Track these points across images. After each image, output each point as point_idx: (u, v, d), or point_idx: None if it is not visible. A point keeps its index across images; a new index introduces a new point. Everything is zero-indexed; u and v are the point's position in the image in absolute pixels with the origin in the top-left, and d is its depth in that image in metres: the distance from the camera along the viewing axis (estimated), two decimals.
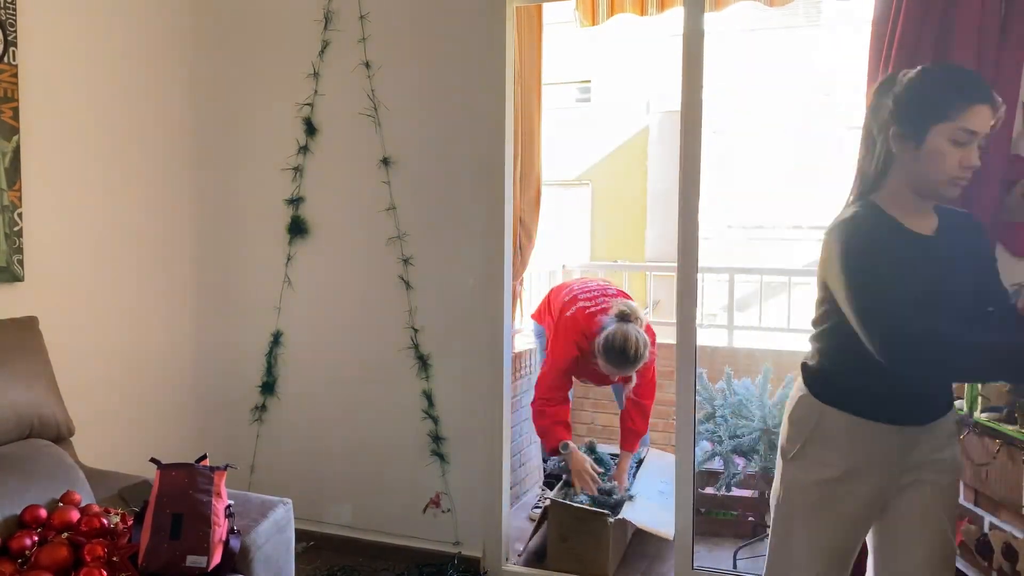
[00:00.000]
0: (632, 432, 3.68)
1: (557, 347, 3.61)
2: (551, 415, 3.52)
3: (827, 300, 1.73)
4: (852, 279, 1.61)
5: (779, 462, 1.85)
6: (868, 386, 1.70)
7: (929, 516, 1.72)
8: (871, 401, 1.70)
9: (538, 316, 4.03)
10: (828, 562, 1.77)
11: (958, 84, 1.62)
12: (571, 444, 3.44)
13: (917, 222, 1.71)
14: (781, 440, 1.85)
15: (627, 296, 3.76)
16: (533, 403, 3.61)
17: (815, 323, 1.82)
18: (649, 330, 3.52)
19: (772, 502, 1.87)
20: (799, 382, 1.84)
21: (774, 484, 1.88)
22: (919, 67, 1.69)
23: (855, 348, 1.62)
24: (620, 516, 3.18)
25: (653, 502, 3.44)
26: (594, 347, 3.41)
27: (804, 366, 1.84)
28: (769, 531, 1.91)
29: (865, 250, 1.62)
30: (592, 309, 3.57)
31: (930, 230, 1.71)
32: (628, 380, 3.55)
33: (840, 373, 1.75)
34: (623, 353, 3.32)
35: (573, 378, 3.69)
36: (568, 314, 3.60)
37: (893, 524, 1.76)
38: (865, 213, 1.70)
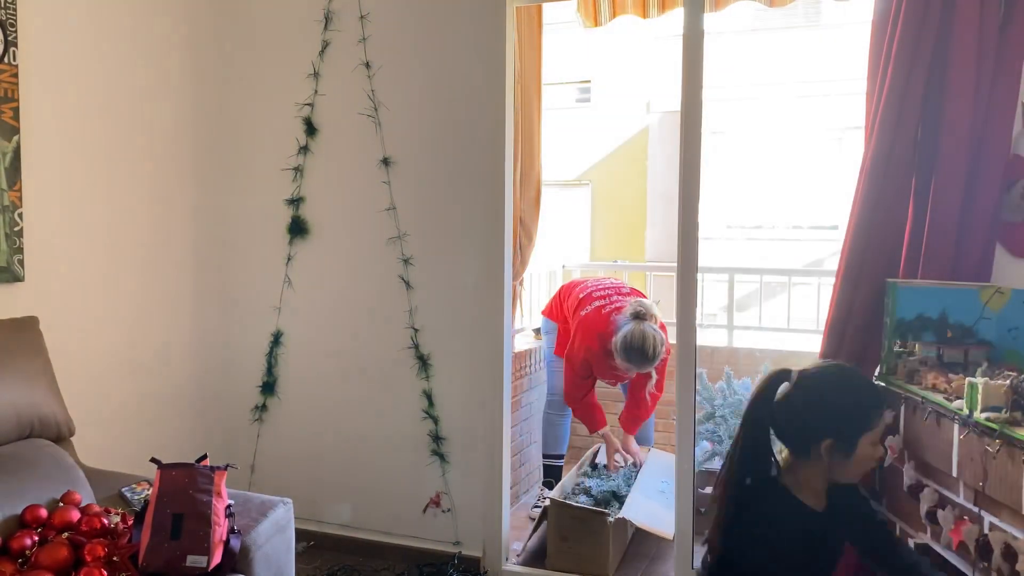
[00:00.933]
0: (638, 419, 3.80)
1: (574, 348, 3.66)
2: (586, 402, 3.72)
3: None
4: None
5: None
6: None
7: None
8: None
9: (549, 312, 4.07)
10: None
11: (877, 397, 1.84)
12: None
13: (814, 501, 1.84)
14: None
15: (641, 294, 3.80)
16: (565, 398, 3.77)
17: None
18: (663, 327, 3.58)
19: None
20: None
21: None
22: (838, 374, 1.85)
23: None
24: (620, 516, 3.18)
25: (653, 501, 3.44)
26: (611, 346, 3.48)
27: None
28: None
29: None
30: (607, 308, 3.63)
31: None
32: (648, 377, 3.64)
33: None
34: (642, 351, 3.42)
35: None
36: (583, 313, 3.65)
37: None
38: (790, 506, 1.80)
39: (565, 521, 3.18)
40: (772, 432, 1.81)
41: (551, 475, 3.92)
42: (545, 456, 3.99)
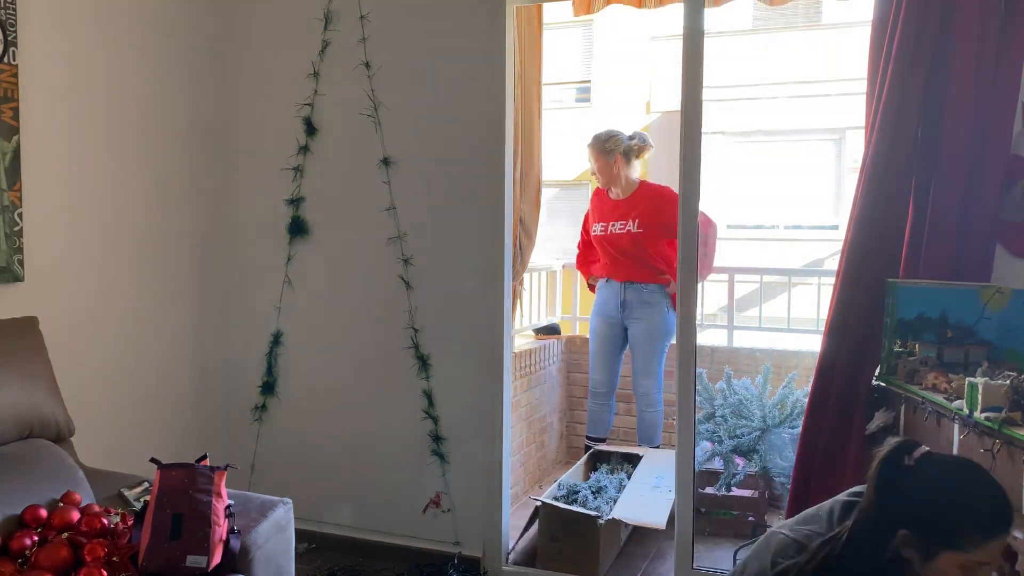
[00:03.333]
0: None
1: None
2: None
3: None
4: None
5: None
6: None
7: None
8: None
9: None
10: None
11: (986, 515, 1.47)
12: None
13: None
14: None
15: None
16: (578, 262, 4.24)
17: None
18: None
19: None
20: None
21: None
22: (963, 472, 1.52)
23: None
24: (611, 516, 3.18)
25: (646, 497, 3.44)
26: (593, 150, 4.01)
27: None
28: None
29: None
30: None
31: None
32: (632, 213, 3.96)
33: None
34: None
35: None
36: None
37: None
38: None
39: (556, 523, 3.17)
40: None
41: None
42: (588, 438, 4.27)
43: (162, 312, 3.23)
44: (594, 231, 4.06)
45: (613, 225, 4.00)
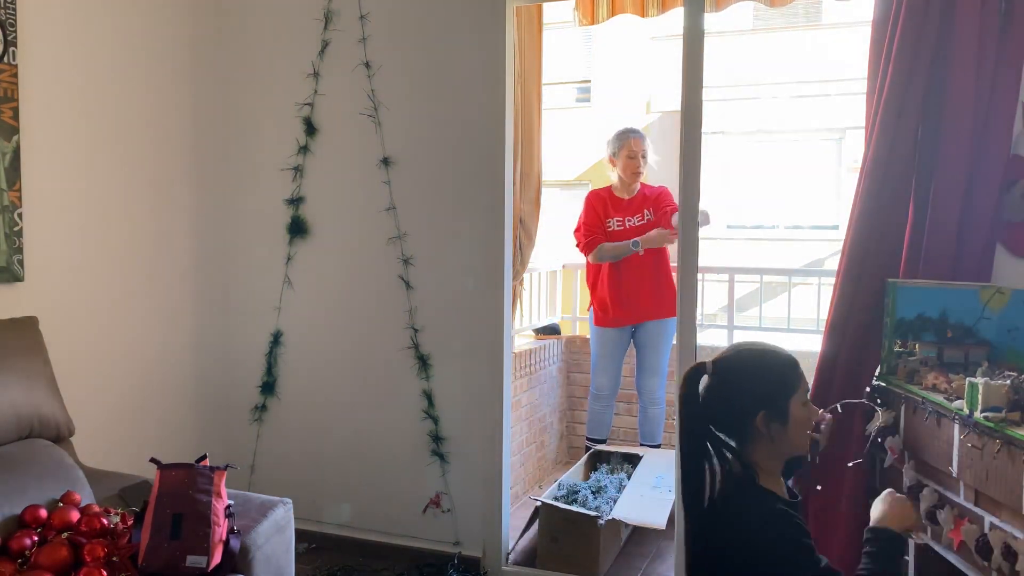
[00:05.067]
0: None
1: (581, 222, 4.14)
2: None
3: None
4: (787, 557, 1.64)
5: None
6: None
7: None
8: None
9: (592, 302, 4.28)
10: None
11: (789, 363, 1.78)
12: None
13: (780, 491, 1.78)
14: None
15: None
16: (581, 247, 4.10)
17: None
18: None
19: None
20: None
21: None
22: (765, 359, 1.78)
23: None
24: (611, 516, 3.18)
25: (646, 497, 3.44)
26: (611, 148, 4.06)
27: None
28: None
29: (797, 539, 1.67)
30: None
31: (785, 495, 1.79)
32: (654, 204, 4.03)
33: None
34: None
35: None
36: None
37: None
38: (780, 507, 1.72)
39: (556, 523, 3.17)
40: (708, 442, 1.74)
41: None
42: (588, 439, 4.28)
43: (162, 312, 3.23)
44: (611, 226, 4.03)
45: (630, 220, 4.02)
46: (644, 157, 4.05)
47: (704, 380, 1.77)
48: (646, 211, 4.03)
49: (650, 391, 4.11)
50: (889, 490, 1.80)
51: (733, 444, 1.75)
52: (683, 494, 1.75)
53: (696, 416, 1.75)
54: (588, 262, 4.16)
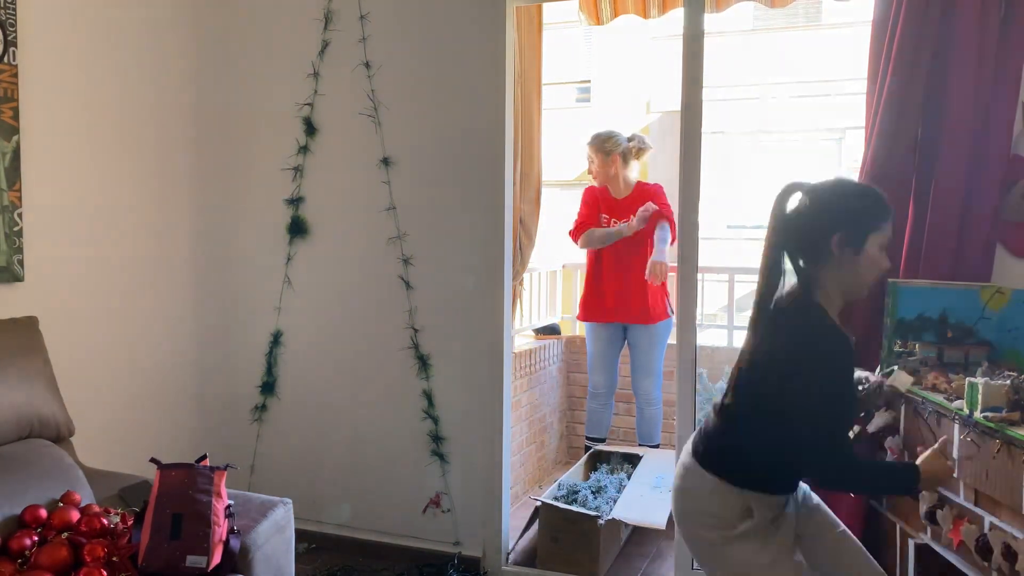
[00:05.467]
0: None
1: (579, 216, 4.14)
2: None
3: (761, 384, 1.83)
4: (827, 388, 1.74)
5: (700, 548, 1.93)
6: (781, 470, 1.87)
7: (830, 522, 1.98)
8: (783, 480, 1.89)
9: (584, 309, 4.25)
10: None
11: (882, 201, 1.87)
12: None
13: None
14: (695, 530, 1.91)
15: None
16: (572, 233, 4.12)
17: (733, 403, 1.89)
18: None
19: None
20: (697, 468, 1.89)
21: (707, 565, 1.94)
22: (851, 186, 1.94)
23: (776, 433, 1.79)
24: (611, 516, 3.18)
25: (646, 497, 3.45)
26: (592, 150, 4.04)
27: (710, 451, 1.89)
28: None
29: (844, 367, 1.79)
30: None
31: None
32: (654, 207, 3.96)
33: (759, 458, 1.84)
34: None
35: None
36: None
37: (813, 548, 1.96)
38: (832, 322, 1.83)
39: (556, 523, 3.17)
40: (786, 254, 1.86)
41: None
42: (588, 438, 4.28)
43: (162, 312, 3.23)
44: (603, 223, 4.06)
45: (619, 223, 4.01)
46: (599, 169, 4.03)
47: (794, 199, 1.86)
48: (632, 217, 4.00)
49: (645, 392, 4.11)
50: (943, 439, 1.87)
51: (802, 263, 1.85)
52: (759, 300, 1.89)
53: (780, 229, 1.85)
54: (588, 261, 4.17)
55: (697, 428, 2.03)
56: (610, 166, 4.01)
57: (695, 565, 2.89)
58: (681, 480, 1.93)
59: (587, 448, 4.22)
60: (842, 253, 1.81)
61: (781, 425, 1.78)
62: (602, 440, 4.25)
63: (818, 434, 1.74)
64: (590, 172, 4.11)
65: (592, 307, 4.11)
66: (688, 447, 1.97)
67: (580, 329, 5.38)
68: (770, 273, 1.86)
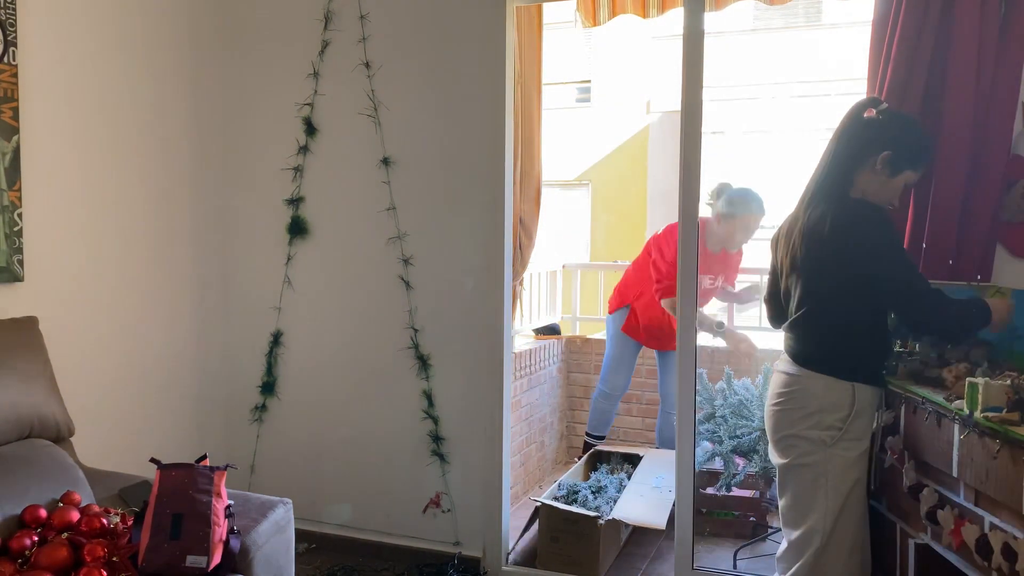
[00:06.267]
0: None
1: (664, 254, 3.96)
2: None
3: (839, 285, 2.09)
4: (903, 261, 2.08)
5: (809, 452, 2.15)
6: (876, 355, 2.16)
7: None
8: (878, 369, 2.17)
9: (619, 300, 4.22)
10: (865, 525, 2.18)
11: (929, 150, 2.20)
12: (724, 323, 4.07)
13: None
14: (810, 433, 2.13)
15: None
16: (661, 287, 3.92)
17: (813, 313, 2.14)
18: None
19: (810, 487, 2.15)
20: (806, 372, 2.14)
21: (808, 473, 2.16)
22: (916, 126, 2.20)
23: (865, 324, 2.11)
24: (611, 517, 3.18)
25: (646, 497, 3.45)
26: (714, 216, 3.88)
27: (813, 354, 2.15)
28: (794, 524, 2.19)
29: (899, 239, 2.13)
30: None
31: None
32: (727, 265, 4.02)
33: (859, 349, 2.13)
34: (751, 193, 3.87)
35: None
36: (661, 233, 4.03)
37: None
38: (875, 206, 2.13)
39: (556, 523, 3.17)
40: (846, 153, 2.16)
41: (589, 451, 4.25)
42: (590, 435, 4.35)
43: (162, 312, 3.23)
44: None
45: (705, 278, 3.96)
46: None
47: (865, 110, 2.16)
48: (720, 277, 3.99)
49: (676, 397, 4.11)
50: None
51: (850, 161, 2.15)
52: (813, 188, 2.23)
53: (847, 137, 2.15)
54: (632, 266, 4.19)
55: (784, 345, 2.27)
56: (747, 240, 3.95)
57: (695, 565, 2.89)
58: (787, 387, 2.18)
59: (586, 445, 4.23)
60: (883, 169, 2.11)
61: (868, 305, 2.09)
62: (602, 438, 4.29)
63: (913, 287, 2.04)
64: (719, 223, 3.88)
65: (642, 334, 4.11)
66: (783, 362, 2.23)
67: (580, 329, 5.39)
68: (829, 171, 2.18)
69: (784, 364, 2.24)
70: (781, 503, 2.28)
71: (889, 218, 2.13)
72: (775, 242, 2.35)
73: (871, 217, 2.09)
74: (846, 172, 2.15)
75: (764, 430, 3.44)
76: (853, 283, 2.09)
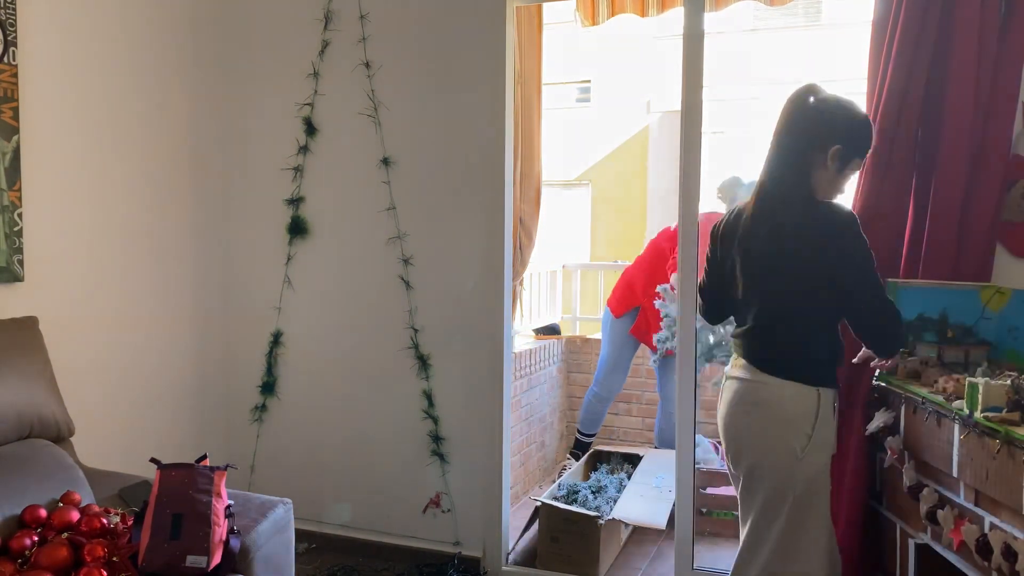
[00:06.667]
0: None
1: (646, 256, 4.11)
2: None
3: (807, 290, 2.02)
4: (874, 268, 2.01)
5: (778, 462, 2.05)
6: (834, 359, 2.09)
7: None
8: (834, 372, 2.08)
9: (620, 303, 4.21)
10: (831, 527, 2.10)
11: (870, 132, 2.12)
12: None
13: None
14: (777, 441, 2.04)
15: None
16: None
17: (777, 318, 2.07)
18: None
19: (777, 497, 2.06)
20: (771, 378, 2.05)
21: (776, 483, 2.06)
22: (858, 112, 2.11)
23: (825, 329, 2.06)
24: (611, 517, 3.18)
25: (646, 497, 3.45)
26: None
27: (778, 360, 2.06)
28: (765, 524, 2.09)
29: (869, 246, 2.02)
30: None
31: None
32: None
33: (822, 354, 2.07)
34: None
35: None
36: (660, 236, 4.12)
37: None
38: (848, 212, 2.06)
39: (556, 523, 3.17)
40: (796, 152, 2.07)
41: (580, 448, 4.35)
42: (581, 433, 4.38)
43: (162, 312, 3.23)
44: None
45: None
46: None
47: (808, 100, 2.07)
48: None
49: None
50: None
51: (802, 163, 2.07)
52: (761, 199, 2.13)
53: (796, 131, 2.07)
54: (637, 265, 4.17)
55: (741, 351, 2.17)
56: None
57: (695, 565, 2.89)
58: (754, 395, 2.08)
59: (580, 444, 4.29)
60: (832, 164, 2.05)
61: (833, 310, 2.04)
62: (593, 435, 4.37)
63: (878, 295, 2.00)
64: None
65: (635, 321, 4.10)
66: (742, 369, 2.12)
67: (580, 329, 5.39)
68: (781, 167, 2.09)
69: (742, 371, 2.13)
70: (743, 513, 2.17)
71: (859, 224, 2.04)
72: (717, 235, 2.25)
73: (850, 226, 2.01)
74: (801, 171, 2.06)
75: None
76: (821, 289, 2.02)
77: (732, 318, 2.26)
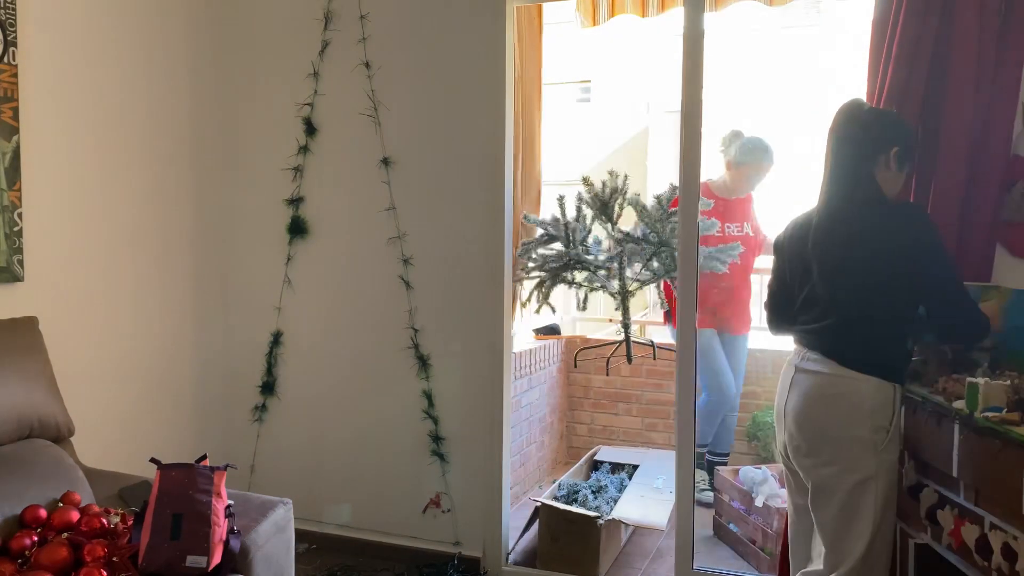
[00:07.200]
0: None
1: None
2: None
3: (885, 286, 2.08)
4: (951, 261, 2.09)
5: (863, 454, 2.09)
6: (908, 356, 2.16)
7: None
8: (906, 370, 2.15)
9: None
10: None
11: (917, 139, 2.26)
12: None
13: None
14: (859, 433, 2.08)
15: None
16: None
17: (857, 314, 2.11)
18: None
19: (863, 491, 2.09)
20: (852, 372, 2.09)
21: (861, 476, 2.09)
22: (902, 117, 2.27)
23: (904, 327, 2.12)
24: (611, 517, 3.18)
25: (646, 497, 3.45)
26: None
27: (859, 355, 2.10)
28: (836, 535, 2.12)
29: (943, 239, 2.12)
30: None
31: None
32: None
33: (896, 351, 2.13)
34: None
35: None
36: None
37: None
38: (920, 206, 2.26)
39: (556, 523, 3.17)
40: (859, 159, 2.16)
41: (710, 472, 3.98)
42: (715, 454, 4.04)
43: (162, 312, 3.23)
44: (710, 230, 3.74)
45: (731, 226, 3.95)
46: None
47: (862, 110, 2.19)
48: (746, 223, 3.94)
49: (734, 397, 4.01)
50: None
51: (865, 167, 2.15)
52: (829, 204, 2.20)
53: (852, 139, 2.16)
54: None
55: (815, 344, 2.18)
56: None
57: (695, 565, 2.89)
58: (833, 388, 2.11)
59: (710, 470, 3.92)
60: (893, 165, 2.15)
61: (911, 306, 2.10)
62: (727, 455, 4.06)
63: (960, 288, 2.07)
64: (730, 168, 3.97)
65: (716, 321, 4.04)
66: (818, 363, 2.14)
67: (580, 329, 5.39)
68: (847, 174, 2.16)
69: (816, 364, 2.14)
70: (819, 514, 2.16)
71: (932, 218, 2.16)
72: (781, 247, 2.32)
73: (922, 217, 2.12)
74: (867, 176, 2.14)
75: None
76: (899, 283, 2.07)
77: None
